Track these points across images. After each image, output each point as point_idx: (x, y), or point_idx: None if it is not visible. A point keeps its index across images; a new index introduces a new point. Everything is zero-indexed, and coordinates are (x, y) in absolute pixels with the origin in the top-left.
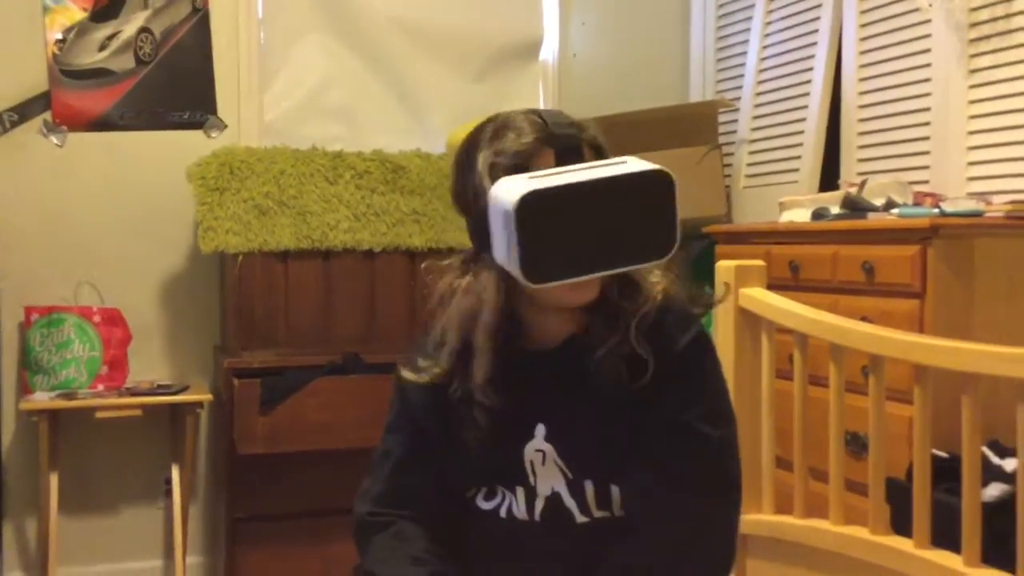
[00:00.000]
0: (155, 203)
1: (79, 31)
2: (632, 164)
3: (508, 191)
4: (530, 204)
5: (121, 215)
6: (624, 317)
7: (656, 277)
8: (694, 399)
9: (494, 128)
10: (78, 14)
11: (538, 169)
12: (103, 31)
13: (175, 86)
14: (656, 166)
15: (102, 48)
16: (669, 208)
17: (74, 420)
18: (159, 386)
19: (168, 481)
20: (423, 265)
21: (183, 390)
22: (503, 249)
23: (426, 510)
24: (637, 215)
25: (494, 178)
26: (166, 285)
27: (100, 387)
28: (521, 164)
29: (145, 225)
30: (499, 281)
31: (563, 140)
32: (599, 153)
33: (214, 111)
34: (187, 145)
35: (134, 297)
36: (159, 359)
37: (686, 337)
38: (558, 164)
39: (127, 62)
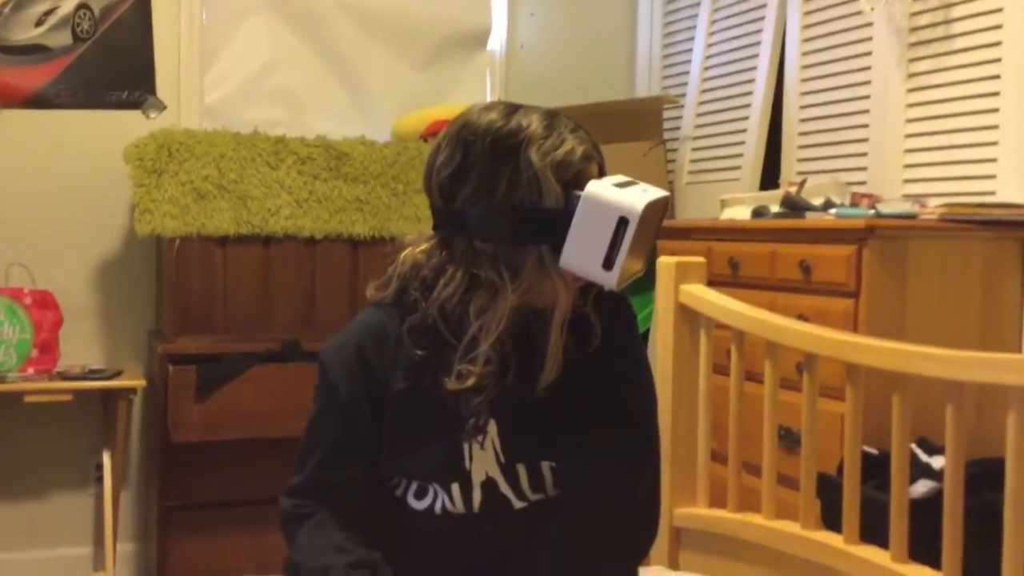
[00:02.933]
0: (91, 184)
1: (15, 5)
2: (648, 184)
3: (624, 197)
4: (647, 211)
5: (55, 195)
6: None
7: None
8: (630, 372)
9: (543, 125)
10: None
11: (590, 173)
12: (40, 6)
13: (113, 64)
14: (666, 191)
15: (39, 24)
16: (662, 225)
17: (2, 404)
18: (91, 371)
19: (99, 467)
20: (392, 239)
21: (116, 375)
22: (590, 250)
23: (351, 504)
24: (656, 228)
25: (561, 178)
26: (101, 268)
27: (30, 371)
28: (584, 169)
29: (80, 206)
30: (565, 276)
31: (601, 154)
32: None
33: (153, 91)
34: (125, 125)
35: (67, 279)
36: (92, 343)
37: (621, 312)
38: (600, 173)
39: (64, 38)
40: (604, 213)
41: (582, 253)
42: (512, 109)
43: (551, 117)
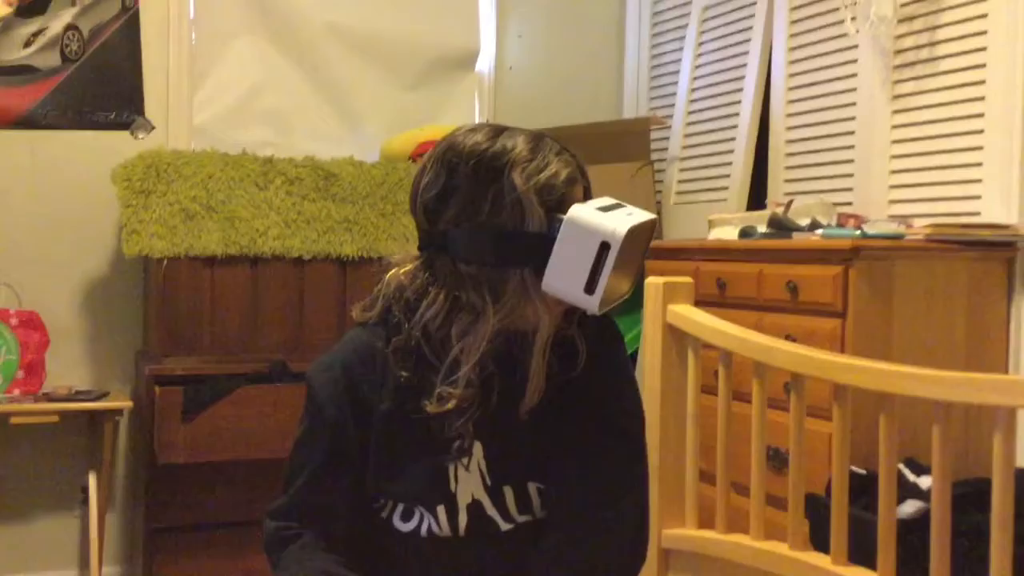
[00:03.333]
0: (78, 204)
1: (3, 26)
2: (634, 207)
3: (607, 222)
4: (627, 237)
5: (42, 216)
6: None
7: None
8: (617, 394)
9: (528, 147)
10: (3, 8)
11: (574, 196)
12: (29, 27)
13: (102, 85)
14: (653, 214)
15: (27, 44)
16: (648, 248)
17: None
18: (78, 392)
19: (85, 489)
20: (380, 259)
21: (102, 396)
22: (572, 274)
23: (336, 526)
24: (643, 251)
25: (544, 201)
26: (87, 288)
27: (16, 392)
28: (568, 192)
29: (67, 227)
30: (548, 300)
31: (587, 177)
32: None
33: (142, 112)
34: (113, 146)
35: (54, 300)
36: (78, 364)
37: (608, 334)
38: (585, 196)
39: (53, 59)
40: (586, 237)
41: (564, 277)
42: (498, 131)
43: (536, 140)
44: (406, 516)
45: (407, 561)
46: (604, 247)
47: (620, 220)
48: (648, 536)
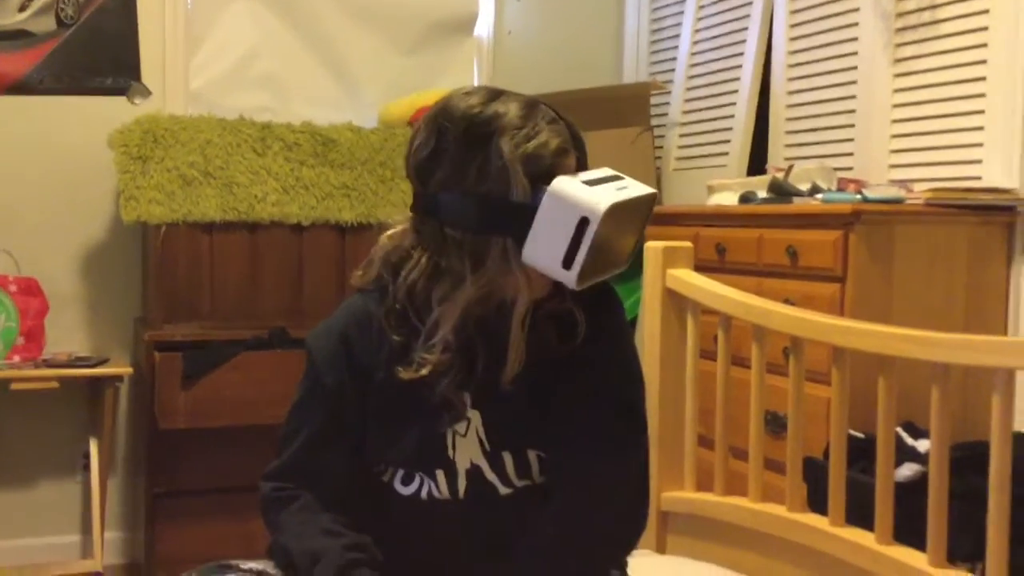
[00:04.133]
0: (75, 170)
1: None
2: (633, 181)
3: (588, 196)
4: (609, 213)
5: (40, 182)
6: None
7: None
8: (618, 362)
9: (520, 114)
10: None
11: (566, 167)
12: None
13: (98, 50)
14: (652, 189)
15: (22, 9)
16: (647, 222)
17: None
18: (77, 358)
19: (86, 455)
20: (378, 224)
21: (102, 363)
22: (551, 247)
23: (332, 490)
24: (640, 225)
25: (531, 171)
26: (86, 254)
27: (16, 358)
28: (557, 163)
29: (65, 193)
30: (530, 272)
31: (580, 145)
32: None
33: (138, 77)
34: (110, 111)
35: (52, 266)
36: (78, 330)
37: (607, 303)
38: (578, 170)
39: (48, 24)
40: (566, 211)
41: (544, 249)
42: (494, 95)
43: (530, 107)
44: (406, 480)
45: (409, 523)
46: (583, 222)
47: (605, 195)
48: (649, 503)
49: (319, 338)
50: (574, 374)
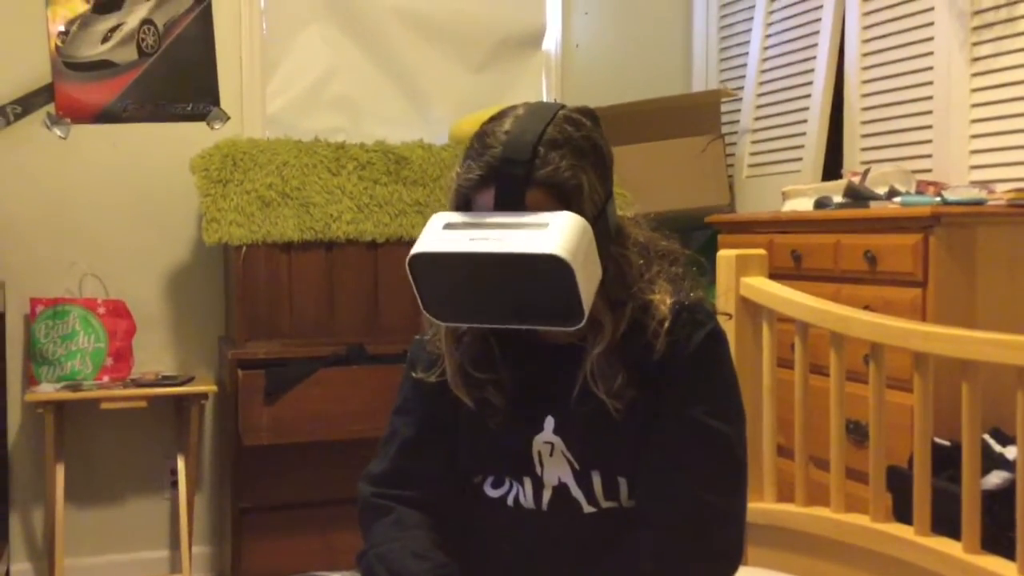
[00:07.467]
0: (159, 195)
1: (82, 23)
2: (539, 236)
3: (421, 239)
4: (422, 260)
5: (125, 207)
6: (633, 328)
7: (660, 291)
8: (704, 395)
9: (476, 140)
10: (81, 6)
11: (481, 203)
12: (106, 23)
13: (178, 78)
14: (548, 250)
15: (105, 40)
16: (566, 286)
17: (79, 411)
18: (164, 377)
19: (174, 472)
20: None
21: (188, 381)
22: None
23: (429, 493)
24: (532, 286)
25: (454, 201)
26: (170, 276)
27: (105, 378)
28: (467, 197)
29: (149, 217)
30: None
31: (507, 182)
32: (556, 192)
33: (217, 103)
34: (190, 137)
35: (138, 289)
36: (164, 350)
37: (698, 335)
38: (497, 205)
39: (130, 54)
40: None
41: None
42: (501, 118)
43: (485, 134)
44: (497, 484)
45: (492, 528)
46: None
47: (429, 242)
48: (743, 542)
49: (418, 345)
50: (664, 404)
